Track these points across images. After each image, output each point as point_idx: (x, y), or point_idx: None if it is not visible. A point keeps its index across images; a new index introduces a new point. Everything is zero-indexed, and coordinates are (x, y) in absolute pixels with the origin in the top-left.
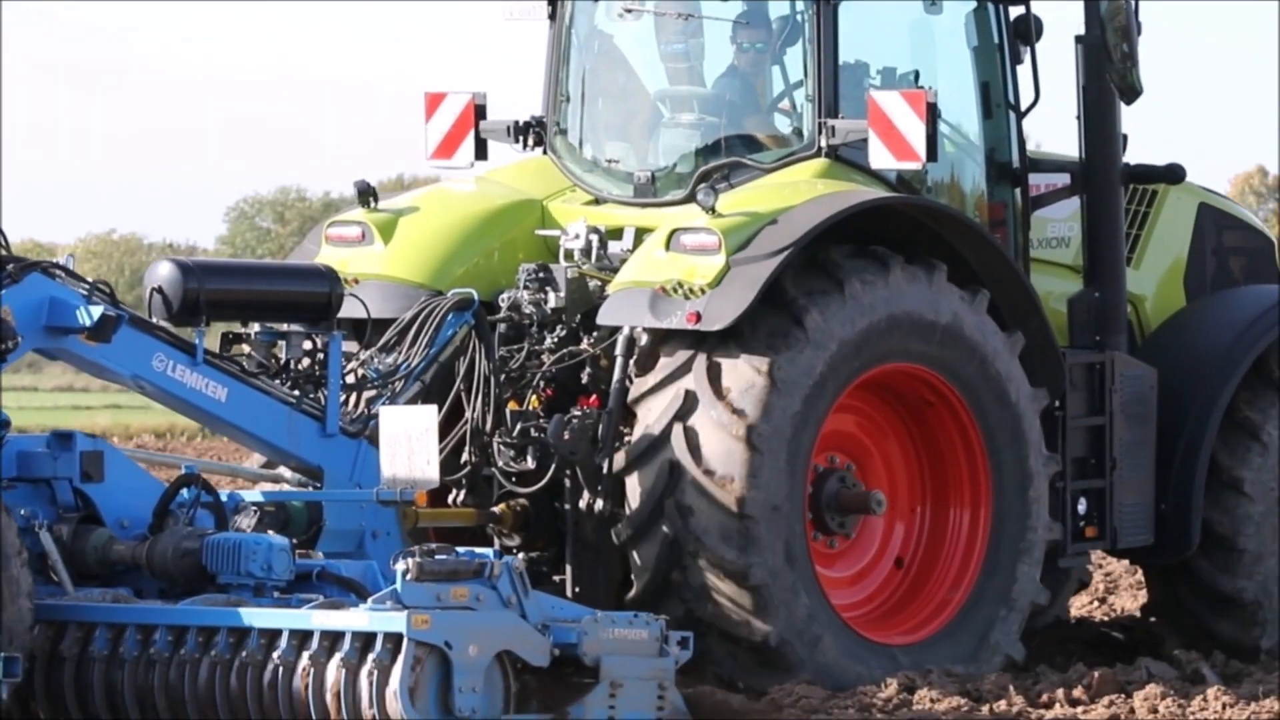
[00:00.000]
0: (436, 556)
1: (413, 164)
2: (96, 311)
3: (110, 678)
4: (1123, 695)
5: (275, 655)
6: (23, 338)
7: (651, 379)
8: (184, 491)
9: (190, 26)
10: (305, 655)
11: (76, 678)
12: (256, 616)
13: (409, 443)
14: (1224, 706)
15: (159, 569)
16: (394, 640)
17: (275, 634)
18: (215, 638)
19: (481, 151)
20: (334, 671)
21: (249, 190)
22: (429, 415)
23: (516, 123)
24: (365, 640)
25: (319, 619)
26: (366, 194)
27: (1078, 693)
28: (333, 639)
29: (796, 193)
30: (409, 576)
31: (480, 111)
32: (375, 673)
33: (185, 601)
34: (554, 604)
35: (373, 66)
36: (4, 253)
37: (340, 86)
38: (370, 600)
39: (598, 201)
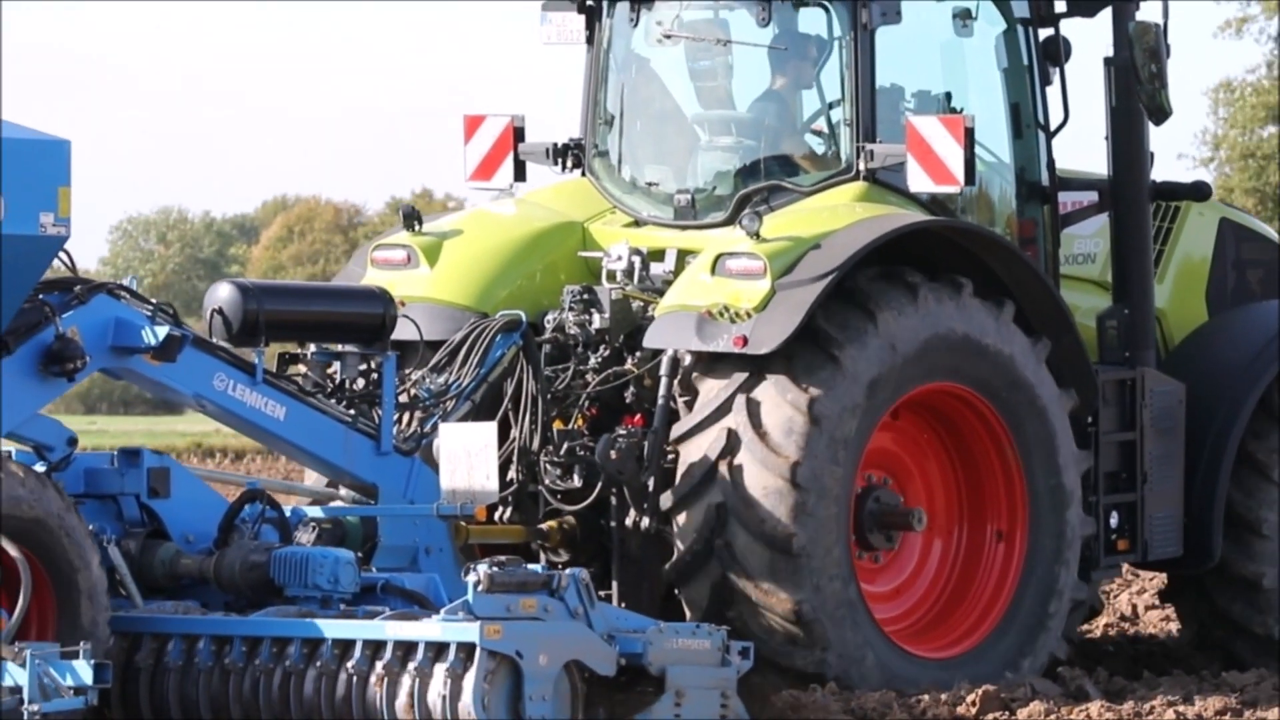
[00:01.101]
0: (506, 568)
1: (296, 184)
2: (162, 332)
3: (185, 687)
4: (1006, 711)
5: (349, 665)
6: (90, 357)
7: (695, 417)
8: (247, 507)
9: (69, 35)
10: (379, 665)
11: (152, 687)
12: (331, 627)
13: (468, 458)
14: None
15: (227, 582)
16: (467, 650)
17: (349, 644)
18: (289, 648)
19: (520, 173)
20: (408, 680)
21: (131, 210)
22: (488, 432)
23: (555, 145)
24: (438, 650)
25: (393, 629)
26: (411, 217)
27: (961, 709)
28: (406, 649)
29: (837, 217)
30: (480, 588)
31: (519, 134)
32: (449, 681)
33: (258, 613)
34: (618, 615)
35: (254, 84)
36: (71, 274)
37: (220, 103)
38: (443, 611)
39: (638, 223)
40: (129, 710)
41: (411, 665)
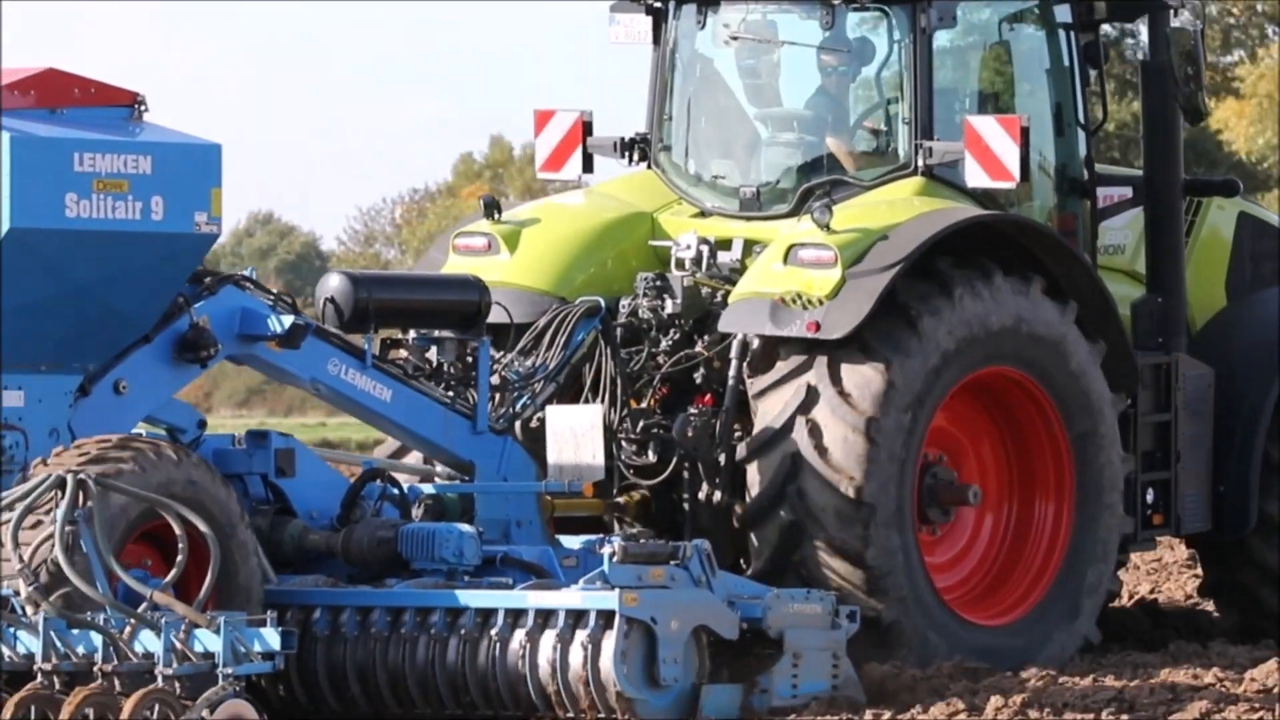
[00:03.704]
0: (638, 541)
1: None
2: (287, 320)
3: (332, 655)
4: None
5: (492, 632)
6: (221, 345)
7: (774, 374)
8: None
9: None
10: (520, 632)
11: (300, 656)
12: (473, 597)
13: (575, 438)
14: None
15: (355, 556)
16: (605, 617)
17: (490, 613)
18: (432, 617)
19: (589, 165)
20: (548, 646)
21: None
22: (595, 413)
23: (622, 139)
24: (578, 617)
25: (534, 598)
26: (492, 206)
27: None
28: (545, 616)
29: (900, 210)
30: (615, 559)
31: (588, 128)
32: (589, 646)
33: (401, 584)
34: (736, 582)
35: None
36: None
37: None
38: (581, 581)
39: (704, 214)
40: (275, 677)
41: (551, 632)
